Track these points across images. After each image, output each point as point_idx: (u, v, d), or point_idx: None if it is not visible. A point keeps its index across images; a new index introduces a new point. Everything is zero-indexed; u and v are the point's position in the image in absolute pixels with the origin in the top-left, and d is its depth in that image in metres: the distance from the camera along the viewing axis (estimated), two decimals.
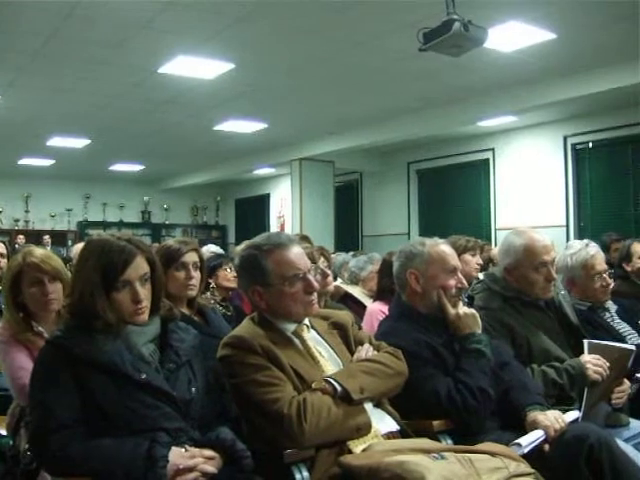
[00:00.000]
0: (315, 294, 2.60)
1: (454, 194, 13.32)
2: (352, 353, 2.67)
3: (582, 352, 3.07)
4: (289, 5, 6.31)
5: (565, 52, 7.93)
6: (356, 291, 5.24)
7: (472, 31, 5.62)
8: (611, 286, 3.92)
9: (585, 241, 3.92)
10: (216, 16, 6.52)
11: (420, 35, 5.72)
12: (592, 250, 3.83)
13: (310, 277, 2.58)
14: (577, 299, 3.84)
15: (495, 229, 12.28)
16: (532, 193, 11.76)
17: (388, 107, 10.41)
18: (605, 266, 3.87)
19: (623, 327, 3.88)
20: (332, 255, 7.29)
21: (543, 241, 3.25)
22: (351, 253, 7.14)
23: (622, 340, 3.66)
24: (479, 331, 2.84)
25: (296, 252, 2.59)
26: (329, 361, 2.59)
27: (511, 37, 7.36)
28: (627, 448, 2.82)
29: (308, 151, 13.16)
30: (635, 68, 8.26)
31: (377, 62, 8.10)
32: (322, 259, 4.01)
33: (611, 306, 4.00)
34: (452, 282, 2.88)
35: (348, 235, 14.89)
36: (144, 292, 2.32)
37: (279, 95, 9.61)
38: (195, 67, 8.08)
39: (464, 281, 2.94)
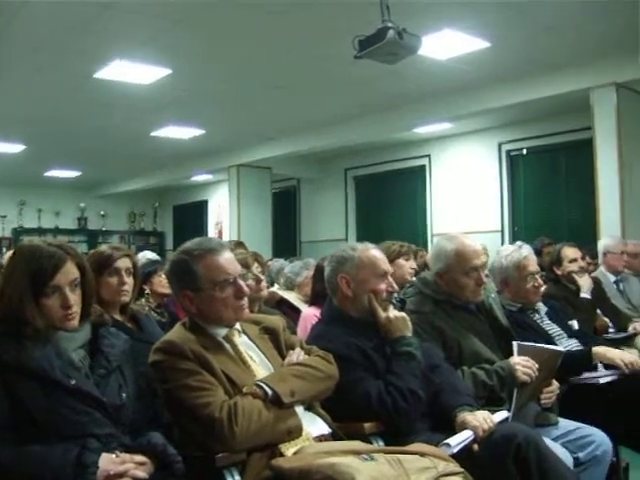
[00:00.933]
0: (246, 299, 2.61)
1: (391, 200, 13.43)
2: (283, 357, 2.68)
3: (512, 354, 3.11)
4: (226, 10, 6.30)
5: (499, 60, 8.06)
6: (291, 296, 5.26)
7: (406, 39, 5.67)
8: (542, 288, 4.01)
9: (519, 243, 4.02)
10: (152, 21, 6.48)
11: (355, 42, 5.76)
12: (525, 252, 3.93)
13: (240, 282, 2.59)
14: (509, 300, 3.92)
15: (431, 235, 12.39)
16: (467, 199, 11.92)
17: (325, 113, 10.46)
18: (537, 268, 3.97)
19: (552, 328, 3.98)
20: (269, 261, 7.31)
21: (473, 246, 3.31)
22: (289, 259, 7.15)
23: (551, 341, 3.75)
24: (409, 334, 2.87)
25: (227, 257, 2.60)
26: (260, 365, 2.60)
27: (446, 45, 7.46)
28: (556, 447, 2.90)
29: (246, 157, 13.16)
30: (566, 76, 8.45)
31: (314, 68, 8.14)
32: (256, 264, 4.01)
33: (541, 308, 4.10)
34: (383, 286, 2.92)
35: (286, 241, 14.91)
36: (74, 298, 2.30)
37: (216, 101, 9.59)
38: (132, 72, 8.02)
39: (394, 285, 2.97)
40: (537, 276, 3.93)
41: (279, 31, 6.90)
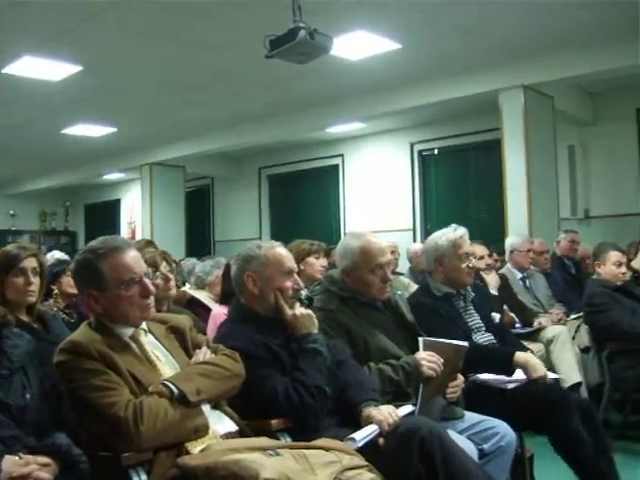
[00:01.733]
0: (152, 298, 2.60)
1: (305, 199, 13.50)
2: (190, 356, 2.68)
3: (418, 349, 3.17)
4: (138, 7, 6.24)
5: (410, 61, 8.18)
6: (202, 296, 5.24)
7: (318, 39, 5.71)
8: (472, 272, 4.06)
9: (453, 226, 4.08)
10: (63, 16, 6.36)
11: (267, 42, 5.78)
12: (460, 232, 4.03)
13: (146, 281, 2.58)
14: (439, 282, 3.96)
15: (345, 233, 12.43)
16: (380, 198, 12.07)
17: (239, 112, 10.43)
18: (471, 249, 4.05)
19: (474, 320, 3.99)
20: (182, 261, 7.26)
21: (379, 243, 3.36)
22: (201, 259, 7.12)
23: (467, 333, 3.81)
24: (315, 331, 2.90)
25: (132, 256, 2.58)
26: (166, 365, 2.59)
27: (358, 46, 7.53)
28: (460, 439, 2.96)
29: (159, 156, 13.02)
30: (476, 78, 8.62)
31: (228, 67, 8.12)
32: (164, 263, 3.99)
33: (469, 294, 4.08)
34: (289, 284, 2.94)
35: (200, 241, 14.79)
36: None
37: (128, 99, 9.47)
38: (41, 68, 7.84)
39: (300, 283, 3.00)
40: (471, 257, 4.01)
41: (192, 29, 6.86)
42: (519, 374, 3.66)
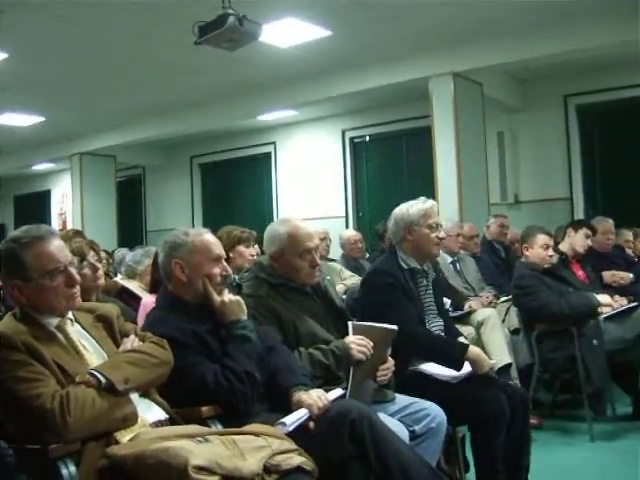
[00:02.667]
0: (78, 287, 2.56)
1: (237, 188, 13.47)
2: (118, 345, 2.65)
3: (347, 334, 3.19)
4: None
5: (341, 49, 8.21)
6: (133, 285, 5.17)
7: (247, 26, 5.71)
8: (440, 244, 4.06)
9: (422, 198, 4.05)
10: None
11: (195, 28, 5.75)
12: (430, 202, 4.01)
13: (71, 270, 2.54)
14: (407, 254, 3.94)
15: None
16: (313, 185, 12.13)
17: (169, 100, 10.34)
18: (440, 221, 4.04)
19: (429, 302, 3.98)
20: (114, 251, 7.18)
21: (306, 229, 3.36)
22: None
23: (422, 315, 3.84)
24: (244, 317, 2.90)
25: (57, 245, 2.54)
26: (94, 354, 2.56)
27: (288, 33, 7.55)
28: (392, 421, 3.00)
29: (88, 145, 12.84)
30: (406, 65, 8.70)
31: (157, 54, 8.05)
32: (92, 253, 3.94)
33: (431, 273, 4.07)
34: (217, 270, 2.92)
35: (132, 231, 14.62)
36: None
37: (56, 87, 9.32)
38: None
39: (229, 269, 3.00)
40: (440, 228, 3.99)
41: (120, 16, 6.78)
42: (464, 368, 3.66)
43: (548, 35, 7.87)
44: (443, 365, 3.67)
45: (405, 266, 3.90)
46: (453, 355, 3.66)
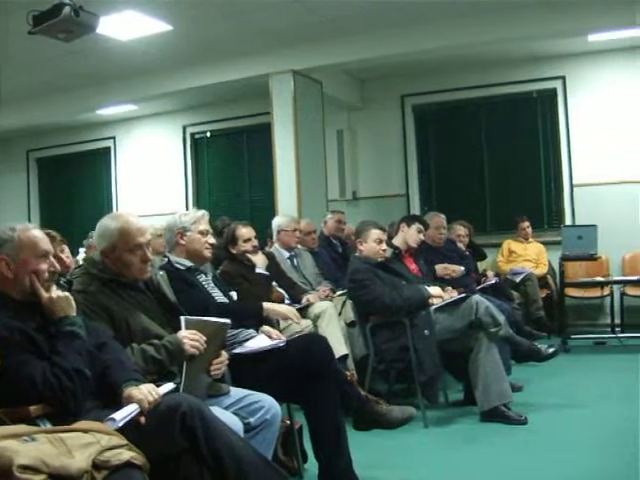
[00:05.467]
0: None
1: (76, 183, 13.19)
2: None
3: (181, 329, 3.20)
4: None
5: (181, 44, 8.18)
6: None
7: (83, 17, 5.60)
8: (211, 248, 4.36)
9: (195, 208, 4.52)
10: None
11: (30, 18, 5.59)
12: (201, 212, 4.36)
13: None
14: (181, 257, 4.22)
15: None
16: (153, 182, 12.02)
17: (4, 91, 9.93)
18: (209, 228, 4.36)
19: (216, 292, 4.29)
20: None
21: (137, 224, 3.35)
22: None
23: (210, 299, 4.16)
24: (73, 314, 2.85)
25: None
26: None
27: (128, 26, 7.45)
28: (225, 414, 3.02)
29: None
30: (247, 62, 8.77)
31: None
32: None
33: (209, 271, 4.49)
34: (44, 266, 2.86)
35: None
36: None
37: None
38: None
39: (57, 265, 2.94)
40: (209, 235, 4.29)
41: None
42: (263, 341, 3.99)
43: (387, 36, 8.12)
44: (246, 322, 4.03)
45: (182, 267, 4.19)
46: (253, 310, 4.26)
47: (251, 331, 4.08)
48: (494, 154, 10.37)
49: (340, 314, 6.10)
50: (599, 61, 9.64)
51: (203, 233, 4.25)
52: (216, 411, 2.84)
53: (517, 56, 9.64)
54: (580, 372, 6.95)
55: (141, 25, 7.49)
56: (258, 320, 4.12)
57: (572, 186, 9.89)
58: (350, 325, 6.01)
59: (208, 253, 4.31)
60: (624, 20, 7.69)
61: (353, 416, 4.96)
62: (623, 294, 9.22)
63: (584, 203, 9.77)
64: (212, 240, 4.32)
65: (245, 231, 5.57)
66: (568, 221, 9.85)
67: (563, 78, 9.91)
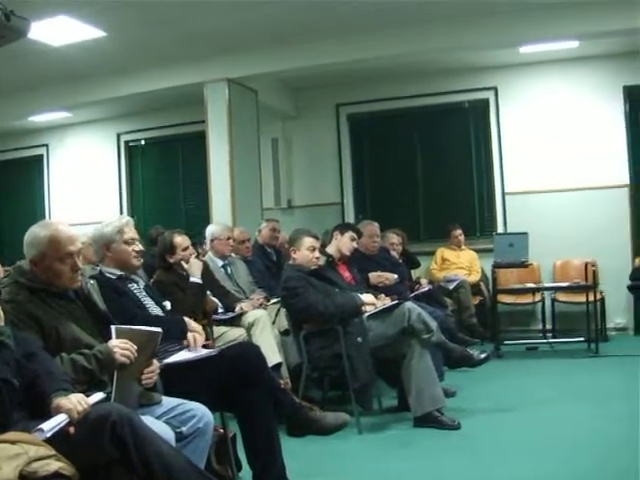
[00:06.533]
0: None
1: (7, 191, 12.91)
2: None
3: (111, 338, 3.18)
4: None
5: (115, 50, 8.12)
6: None
7: (14, 22, 5.50)
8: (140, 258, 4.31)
9: (121, 215, 4.26)
10: None
11: None
12: (125, 220, 4.31)
13: None
14: (110, 267, 4.19)
15: None
16: (87, 190, 11.84)
17: None
18: (136, 235, 4.29)
19: (148, 302, 4.27)
20: None
21: (68, 232, 3.31)
22: None
23: (152, 308, 4.17)
24: (2, 323, 2.82)
25: None
26: None
27: (60, 32, 7.36)
28: (156, 423, 3.00)
29: None
30: (182, 70, 8.75)
31: None
32: None
33: (141, 280, 4.43)
34: None
35: None
36: None
37: None
38: None
39: None
40: (137, 242, 4.24)
41: None
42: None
43: (322, 46, 8.20)
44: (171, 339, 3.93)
45: (113, 276, 4.18)
46: (178, 326, 4.10)
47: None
48: (428, 163, 10.54)
49: (274, 322, 6.12)
50: (530, 72, 9.90)
51: (129, 242, 4.19)
52: (147, 420, 2.83)
53: (451, 67, 9.81)
54: (512, 377, 7.09)
55: (74, 31, 7.40)
56: (183, 335, 4.05)
57: (504, 194, 10.09)
58: (284, 333, 6.03)
59: (136, 261, 4.26)
60: (554, 33, 7.90)
61: (287, 423, 4.98)
62: (554, 300, 9.45)
63: (516, 211, 9.98)
64: (139, 247, 4.26)
65: (181, 240, 5.57)
66: (500, 229, 10.05)
67: (495, 89, 10.13)
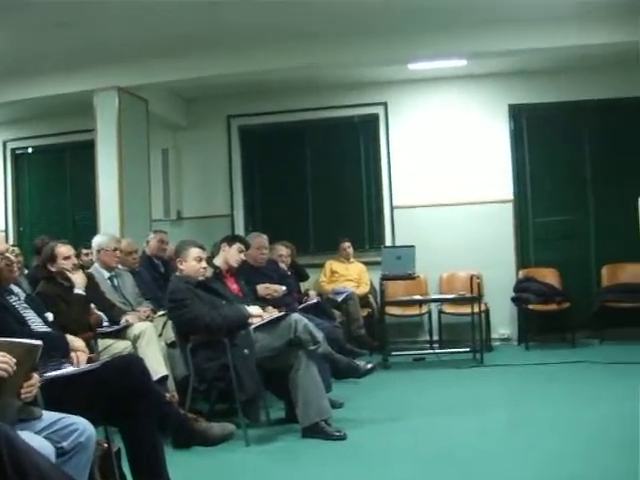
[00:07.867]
0: None
1: None
2: None
3: None
4: None
5: (2, 56, 7.88)
6: None
7: None
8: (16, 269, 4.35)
9: None
10: None
11: None
12: None
13: None
14: None
15: None
16: None
17: None
18: (7, 247, 4.23)
19: (29, 314, 4.08)
20: None
21: None
22: None
23: (25, 324, 3.94)
24: None
25: None
26: None
27: None
28: (36, 439, 2.93)
29: None
30: (72, 77, 8.61)
31: None
32: None
33: (21, 293, 4.33)
34: None
35: None
36: None
37: None
38: None
39: None
40: (9, 254, 4.16)
41: None
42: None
43: (212, 57, 8.22)
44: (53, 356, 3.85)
45: None
46: (59, 344, 3.98)
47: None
48: (318, 176, 10.65)
49: (161, 335, 6.06)
50: (419, 89, 10.16)
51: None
52: (26, 435, 2.77)
53: (342, 81, 9.96)
54: (399, 387, 7.24)
55: None
56: (65, 354, 3.97)
57: (392, 208, 10.29)
58: (171, 346, 5.97)
59: (8, 273, 4.14)
60: (442, 51, 8.13)
61: (172, 435, 4.94)
62: (440, 312, 9.70)
63: (404, 224, 10.19)
64: (10, 259, 4.17)
65: (64, 249, 5.47)
66: (388, 242, 10.22)
67: (385, 104, 10.33)
